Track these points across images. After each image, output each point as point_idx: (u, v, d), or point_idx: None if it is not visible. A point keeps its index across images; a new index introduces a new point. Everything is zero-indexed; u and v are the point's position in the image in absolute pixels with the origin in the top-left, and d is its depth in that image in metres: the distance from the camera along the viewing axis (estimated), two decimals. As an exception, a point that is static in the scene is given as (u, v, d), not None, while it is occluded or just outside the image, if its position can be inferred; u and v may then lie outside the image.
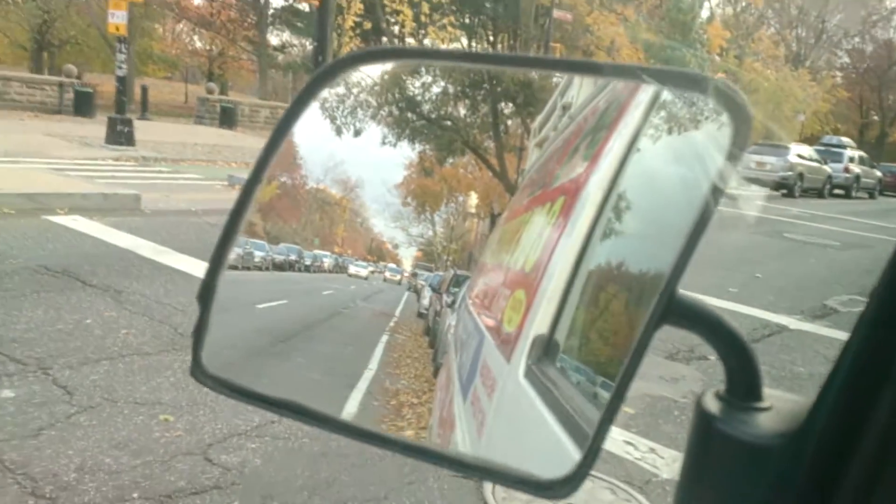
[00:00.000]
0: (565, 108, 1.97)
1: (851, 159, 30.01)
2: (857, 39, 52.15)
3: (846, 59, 53.39)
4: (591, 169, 1.22)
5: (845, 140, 31.94)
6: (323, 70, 0.76)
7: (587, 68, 0.93)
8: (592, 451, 0.62)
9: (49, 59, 44.37)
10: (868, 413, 0.52)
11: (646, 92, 1.07)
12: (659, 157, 1.03)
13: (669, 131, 0.95)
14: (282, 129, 0.78)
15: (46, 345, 5.39)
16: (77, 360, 5.18)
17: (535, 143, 3.17)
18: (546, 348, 1.12)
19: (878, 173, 32.24)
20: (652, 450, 4.62)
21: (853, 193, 30.07)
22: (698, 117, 0.70)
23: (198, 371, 0.75)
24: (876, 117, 51.33)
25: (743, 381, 0.61)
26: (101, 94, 28.61)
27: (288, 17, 50.39)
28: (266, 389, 0.80)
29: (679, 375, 6.10)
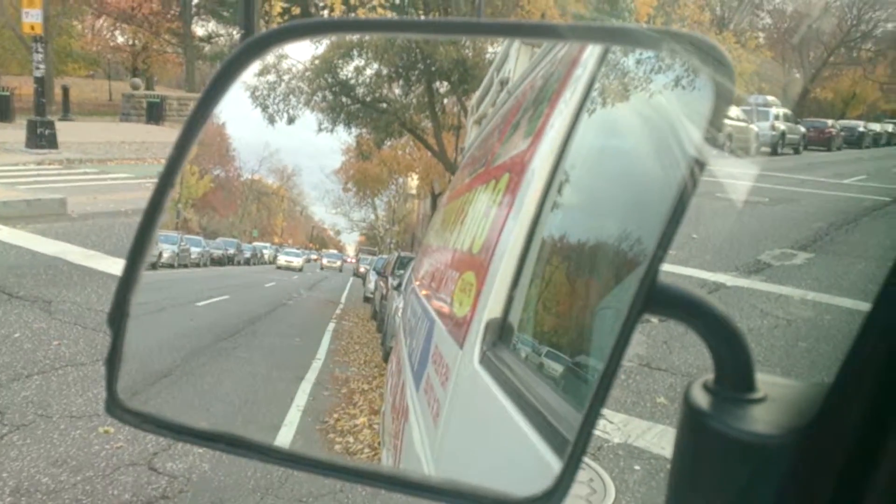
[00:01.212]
0: (503, 83, 1.94)
1: (777, 117, 30.96)
2: (777, 0, 53.75)
3: (768, 20, 54.96)
4: (535, 144, 1.18)
5: (770, 99, 32.93)
6: (245, 45, 0.68)
7: (541, 31, 0.84)
8: (574, 459, 0.56)
9: (-41, 63, 42.09)
10: None
11: (589, 60, 1.04)
12: (610, 125, 1.00)
13: (623, 95, 0.92)
14: (202, 109, 0.69)
15: (-25, 362, 5.12)
16: (6, 377, 4.94)
17: (474, 121, 3.13)
18: (500, 332, 1.09)
19: (802, 129, 33.38)
20: (602, 416, 4.69)
21: (779, 150, 31.07)
22: (661, 68, 0.67)
23: (115, 407, 0.66)
24: (798, 75, 53.09)
25: (734, 370, 0.55)
26: (19, 96, 27.35)
27: (213, 6, 48.97)
28: (198, 415, 0.73)
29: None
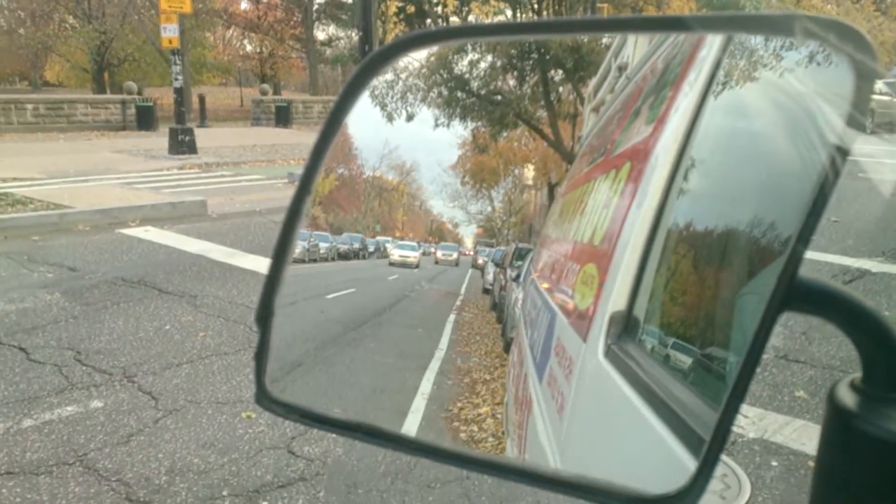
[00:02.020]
0: (621, 69, 1.89)
1: (926, 89, 28.32)
2: (922, -39, 49.12)
3: (913, -17, 50.32)
4: (658, 131, 1.15)
5: (920, 69, 30.16)
6: (370, 59, 0.71)
7: (665, 24, 0.81)
8: (711, 457, 0.53)
9: (110, 78, 45.90)
10: None
11: (714, 40, 0.99)
12: (739, 108, 0.96)
13: (752, 75, 0.88)
14: (333, 121, 0.74)
15: (129, 353, 5.60)
16: (159, 366, 5.36)
17: (591, 109, 3.08)
18: (626, 325, 1.07)
19: (960, 101, 30.37)
20: (738, 412, 4.49)
21: (932, 126, 28.41)
22: (794, 58, 0.63)
23: (263, 397, 0.70)
24: (952, 41, 48.26)
25: (885, 369, 0.51)
26: (161, 106, 29.51)
27: (332, 10, 50.78)
28: (332, 402, 0.77)
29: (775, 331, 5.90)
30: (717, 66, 1.00)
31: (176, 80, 19.82)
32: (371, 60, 0.72)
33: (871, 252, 8.51)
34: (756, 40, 0.92)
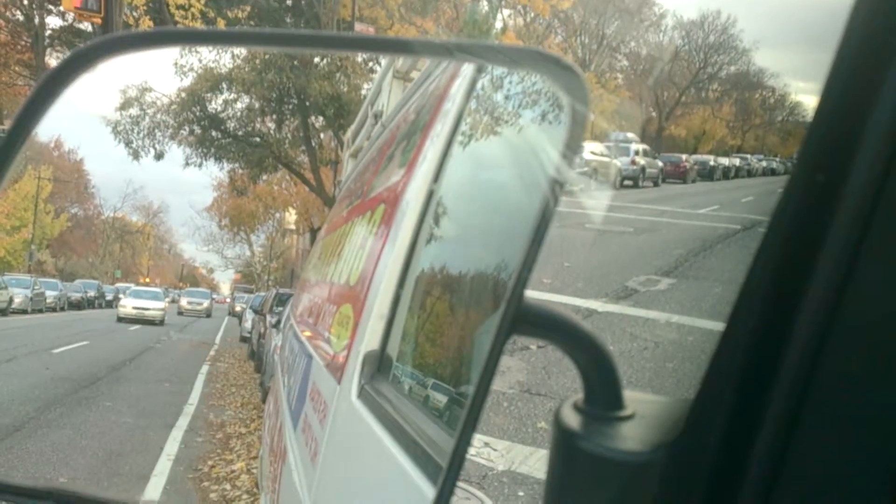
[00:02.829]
0: (377, 116, 1.94)
1: (637, 152, 32.89)
2: (633, 44, 57.56)
3: (625, 62, 58.64)
4: (408, 175, 1.18)
5: (630, 135, 34.97)
6: (70, 58, 0.63)
7: (395, 46, 0.85)
8: (447, 486, 0.54)
9: None
10: (760, 410, 0.48)
11: (457, 94, 1.05)
12: (480, 156, 1.02)
13: (492, 128, 0.94)
14: (21, 125, 0.63)
15: None
16: None
17: (350, 154, 3.11)
18: (378, 364, 1.07)
19: (660, 163, 35.62)
20: (486, 444, 4.73)
21: (640, 183, 32.96)
22: (527, 103, 0.69)
23: None
24: (654, 113, 56.82)
25: (602, 389, 0.55)
26: None
27: (68, 37, 46.51)
28: (64, 474, 0.66)
29: (504, 367, 6.31)
30: (460, 117, 1.06)
31: None
32: (73, 58, 0.64)
33: (598, 293, 9.56)
34: (497, 97, 0.99)
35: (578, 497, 0.53)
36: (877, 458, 0.46)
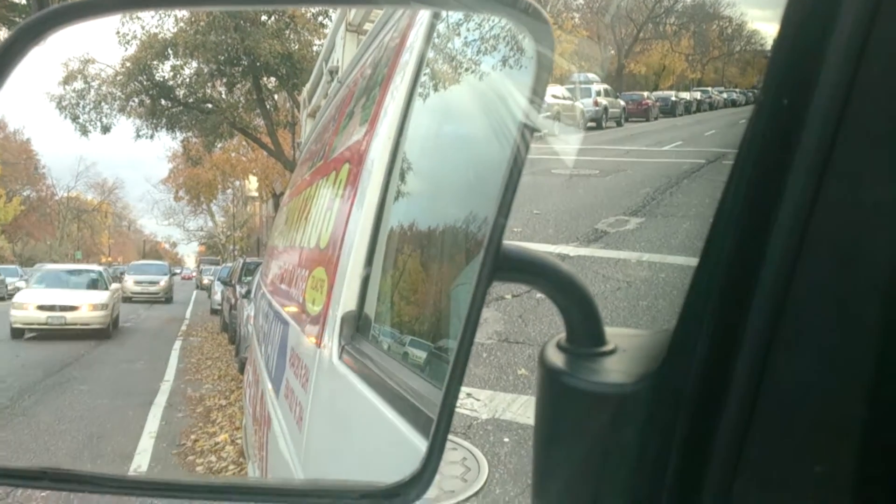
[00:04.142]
0: (332, 73, 1.89)
1: (598, 93, 32.84)
2: (586, -20, 57.13)
3: (581, 1, 58.21)
4: (371, 131, 1.16)
5: (591, 76, 34.84)
6: (18, 31, 0.60)
7: None
8: (438, 440, 0.56)
9: None
10: (738, 339, 0.50)
11: (415, 44, 1.02)
12: (443, 107, 1.00)
13: (453, 77, 0.92)
14: None
15: None
16: None
17: (308, 114, 3.04)
18: (357, 324, 1.06)
19: (622, 102, 35.66)
20: (468, 395, 4.80)
21: (604, 124, 33.03)
22: (486, 49, 0.67)
23: None
24: (612, 52, 56.64)
25: (584, 326, 0.57)
26: None
27: (1, 12, 44.62)
28: (47, 461, 0.64)
29: (482, 319, 6.37)
30: (419, 69, 1.04)
31: None
32: (21, 31, 0.61)
33: (568, 238, 9.65)
34: (455, 44, 0.96)
35: (568, 432, 0.55)
36: (851, 368, 0.47)
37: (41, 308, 11.35)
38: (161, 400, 6.06)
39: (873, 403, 0.47)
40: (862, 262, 0.47)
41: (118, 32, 20.18)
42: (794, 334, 0.49)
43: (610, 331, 0.58)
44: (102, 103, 19.81)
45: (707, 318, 0.52)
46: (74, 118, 19.84)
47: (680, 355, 0.52)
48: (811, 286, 0.48)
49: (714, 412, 0.51)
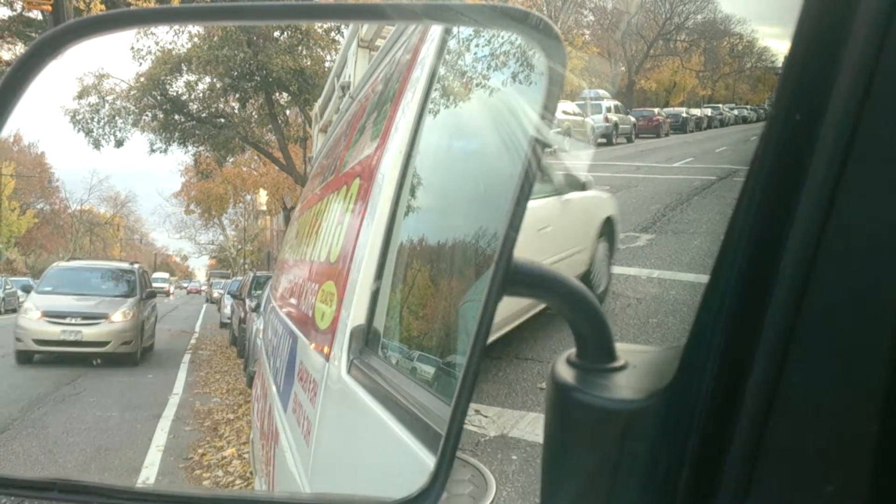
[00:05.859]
0: (344, 88, 1.90)
1: (609, 109, 32.84)
2: (597, -2, 57.36)
3: (591, 17, 58.34)
4: (382, 147, 1.16)
5: (602, 92, 34.86)
6: (38, 45, 0.61)
7: (359, 13, 0.82)
8: (447, 456, 0.55)
9: None
10: (750, 356, 0.49)
11: (426, 60, 1.03)
12: (454, 123, 1.00)
13: (464, 93, 0.92)
14: None
15: None
16: None
17: (319, 129, 3.07)
18: (366, 338, 1.06)
19: (633, 118, 35.65)
20: (476, 411, 4.77)
21: (614, 140, 33.00)
22: (497, 65, 0.67)
23: None
24: (623, 68, 56.74)
25: (594, 342, 0.56)
26: None
27: (18, 28, 45.24)
28: (46, 471, 0.65)
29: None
30: (430, 85, 1.04)
31: None
32: (39, 47, 0.62)
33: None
34: (466, 61, 0.97)
35: (577, 447, 0.54)
36: (865, 386, 0.47)
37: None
38: (169, 413, 6.07)
39: (887, 422, 0.46)
40: (875, 279, 0.47)
41: (133, 48, 20.48)
42: (807, 352, 0.48)
43: (620, 347, 0.57)
44: (116, 117, 20.04)
45: (718, 335, 0.51)
46: (88, 132, 20.09)
47: (691, 372, 0.52)
48: (823, 303, 0.48)
49: (725, 429, 0.50)
